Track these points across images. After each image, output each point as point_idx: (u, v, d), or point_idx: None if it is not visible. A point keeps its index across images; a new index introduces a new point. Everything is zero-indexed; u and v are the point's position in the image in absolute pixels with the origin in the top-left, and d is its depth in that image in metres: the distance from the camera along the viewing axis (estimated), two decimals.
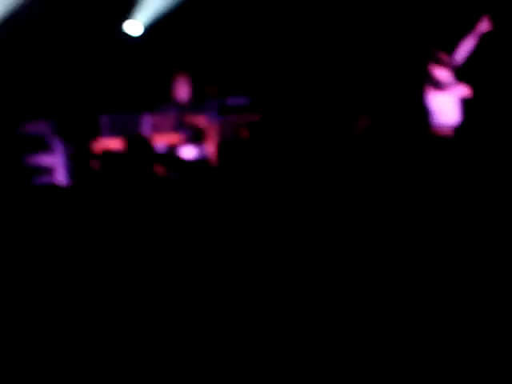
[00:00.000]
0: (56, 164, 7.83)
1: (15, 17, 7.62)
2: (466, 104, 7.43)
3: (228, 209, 6.14)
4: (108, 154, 7.74)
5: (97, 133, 7.68)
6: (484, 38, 7.34)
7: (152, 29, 8.01)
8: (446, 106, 7.38)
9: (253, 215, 5.89)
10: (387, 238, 4.86)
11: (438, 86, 7.29)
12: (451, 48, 7.38)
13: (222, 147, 8.00)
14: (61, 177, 7.85)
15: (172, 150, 7.91)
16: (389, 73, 8.36)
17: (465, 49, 7.31)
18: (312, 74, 8.41)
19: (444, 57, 7.31)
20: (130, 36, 7.83)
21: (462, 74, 7.39)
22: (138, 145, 7.67)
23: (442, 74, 7.28)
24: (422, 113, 7.50)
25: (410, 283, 4.01)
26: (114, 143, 7.67)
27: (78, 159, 7.84)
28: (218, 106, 8.00)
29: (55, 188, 7.68)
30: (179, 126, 7.81)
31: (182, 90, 7.84)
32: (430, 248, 4.57)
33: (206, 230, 5.49)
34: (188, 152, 7.89)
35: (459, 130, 7.38)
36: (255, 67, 8.32)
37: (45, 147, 7.78)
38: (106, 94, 8.13)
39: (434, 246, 4.60)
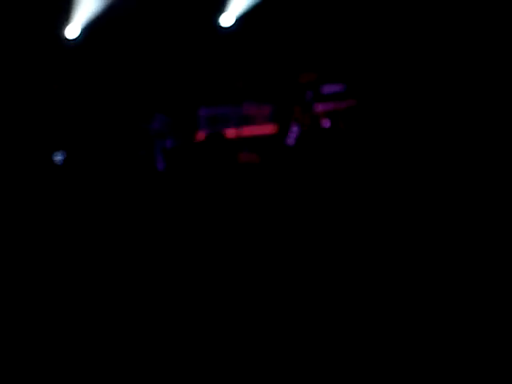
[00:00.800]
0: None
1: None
2: None
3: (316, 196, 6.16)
4: (208, 145, 7.87)
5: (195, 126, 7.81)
6: None
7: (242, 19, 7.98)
8: None
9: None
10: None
11: None
12: None
13: (315, 136, 7.91)
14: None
15: (267, 139, 7.91)
16: None
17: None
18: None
19: None
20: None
21: None
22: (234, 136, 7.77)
23: None
24: None
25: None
26: (212, 135, 7.78)
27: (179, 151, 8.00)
28: (314, 94, 7.87)
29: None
30: (274, 117, 7.78)
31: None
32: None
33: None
34: (284, 140, 7.86)
35: None
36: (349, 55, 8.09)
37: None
38: (199, 88, 8.23)
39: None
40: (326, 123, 7.88)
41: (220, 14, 8.10)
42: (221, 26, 8.14)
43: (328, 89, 7.87)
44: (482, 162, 6.78)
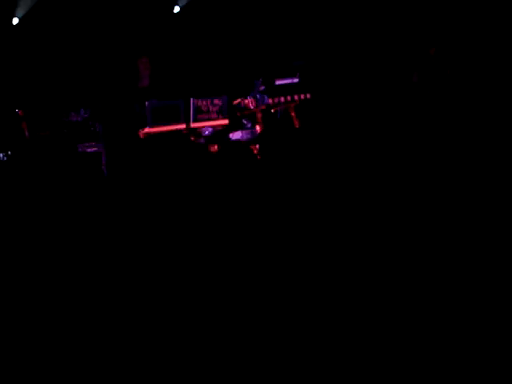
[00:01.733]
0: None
1: None
2: None
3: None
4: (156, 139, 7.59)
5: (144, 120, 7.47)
6: None
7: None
8: None
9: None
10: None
11: None
12: None
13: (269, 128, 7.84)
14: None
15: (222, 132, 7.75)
16: None
17: None
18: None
19: None
20: None
21: None
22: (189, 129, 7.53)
23: None
24: None
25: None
26: (161, 129, 7.50)
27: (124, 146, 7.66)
28: (267, 86, 7.73)
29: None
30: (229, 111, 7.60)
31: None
32: None
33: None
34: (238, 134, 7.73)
35: None
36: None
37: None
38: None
39: None
40: (278, 115, 7.81)
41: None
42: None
43: (281, 81, 7.76)
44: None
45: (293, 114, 7.71)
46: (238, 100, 7.72)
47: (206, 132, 7.70)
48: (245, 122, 7.63)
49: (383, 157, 7.28)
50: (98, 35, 7.89)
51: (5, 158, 6.92)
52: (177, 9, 8.13)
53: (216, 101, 7.60)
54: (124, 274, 4.55)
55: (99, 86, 7.95)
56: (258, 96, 7.66)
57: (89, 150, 7.59)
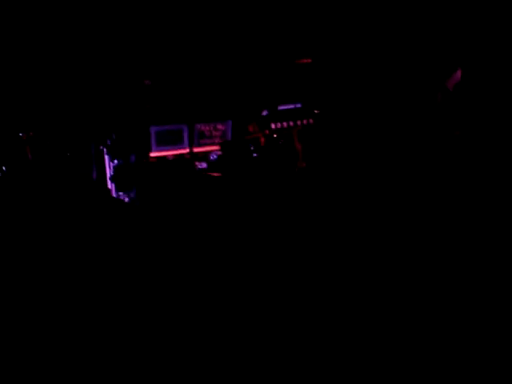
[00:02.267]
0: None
1: None
2: None
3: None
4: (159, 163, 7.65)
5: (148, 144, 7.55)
6: None
7: None
8: None
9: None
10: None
11: None
12: None
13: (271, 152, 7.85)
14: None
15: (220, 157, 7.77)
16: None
17: None
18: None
19: None
20: None
21: None
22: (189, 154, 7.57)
23: None
24: None
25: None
26: (164, 153, 7.56)
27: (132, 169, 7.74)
28: (270, 111, 7.78)
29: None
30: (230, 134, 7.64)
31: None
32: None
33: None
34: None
35: None
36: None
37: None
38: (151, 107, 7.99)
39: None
40: (281, 140, 7.82)
41: None
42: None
43: (284, 106, 7.80)
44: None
45: (295, 138, 7.71)
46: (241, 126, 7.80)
47: (212, 157, 7.75)
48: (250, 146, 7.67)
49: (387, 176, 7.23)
50: (101, 59, 8.07)
51: None
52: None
53: (219, 126, 7.67)
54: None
55: (107, 112, 8.11)
56: (261, 121, 7.71)
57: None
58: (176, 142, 7.60)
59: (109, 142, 7.58)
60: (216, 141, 7.64)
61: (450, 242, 4.84)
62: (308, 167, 7.63)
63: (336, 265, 4.60)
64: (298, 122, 7.73)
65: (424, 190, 6.37)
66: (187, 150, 7.62)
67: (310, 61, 7.65)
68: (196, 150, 7.63)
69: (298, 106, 7.81)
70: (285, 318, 3.66)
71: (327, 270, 4.52)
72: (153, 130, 7.54)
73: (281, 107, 7.78)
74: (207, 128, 7.61)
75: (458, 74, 7.50)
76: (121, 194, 7.60)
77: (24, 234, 6.33)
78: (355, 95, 7.65)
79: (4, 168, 6.98)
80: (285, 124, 7.73)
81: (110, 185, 7.68)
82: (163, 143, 7.56)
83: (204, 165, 7.66)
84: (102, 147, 7.56)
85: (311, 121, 7.73)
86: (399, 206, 6.23)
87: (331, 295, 3.96)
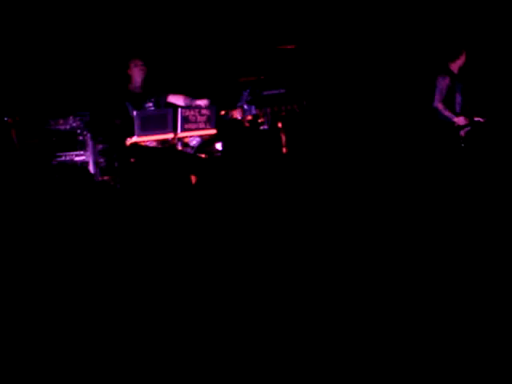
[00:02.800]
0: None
1: None
2: None
3: None
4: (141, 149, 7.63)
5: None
6: None
7: None
8: None
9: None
10: None
11: None
12: None
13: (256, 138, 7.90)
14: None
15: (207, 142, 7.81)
16: None
17: None
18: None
19: None
20: None
21: None
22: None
23: None
24: None
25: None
26: (149, 138, 7.55)
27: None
28: (253, 96, 7.82)
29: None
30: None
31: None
32: None
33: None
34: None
35: None
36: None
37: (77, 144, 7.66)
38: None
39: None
40: (264, 125, 7.88)
41: None
42: None
43: (268, 92, 7.85)
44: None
45: (280, 124, 7.78)
46: (224, 111, 7.82)
47: (194, 142, 7.77)
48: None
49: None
50: (88, 39, 8.00)
51: None
52: None
53: (204, 111, 7.67)
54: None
55: (90, 92, 8.05)
56: (245, 106, 7.75)
57: (76, 158, 7.65)
58: (160, 127, 7.59)
59: (93, 126, 7.54)
60: (201, 126, 7.65)
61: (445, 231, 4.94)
62: (292, 153, 7.72)
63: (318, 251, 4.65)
64: (283, 108, 7.79)
65: (411, 176, 6.51)
66: (171, 135, 7.62)
67: (293, 47, 7.71)
68: (181, 134, 7.63)
69: (282, 91, 7.87)
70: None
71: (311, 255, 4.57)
72: (136, 114, 7.51)
73: (264, 93, 7.83)
74: (192, 113, 7.61)
75: (463, 56, 7.63)
76: (105, 178, 7.59)
77: (10, 222, 6.29)
78: (341, 82, 7.73)
79: None
80: (268, 110, 7.79)
81: (93, 169, 7.65)
82: (147, 128, 7.54)
83: (189, 150, 7.68)
84: (85, 132, 7.51)
85: (295, 107, 7.80)
86: (384, 194, 6.33)
87: (318, 280, 3.98)
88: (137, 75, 7.88)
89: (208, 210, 6.50)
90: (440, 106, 8.07)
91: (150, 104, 8.05)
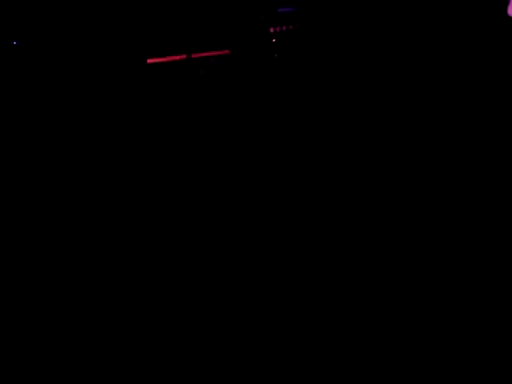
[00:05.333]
0: None
1: None
2: None
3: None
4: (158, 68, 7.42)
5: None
6: None
7: None
8: None
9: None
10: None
11: None
12: None
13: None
14: None
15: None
16: None
17: None
18: None
19: None
20: None
21: None
22: None
23: None
24: None
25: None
26: (162, 59, 7.32)
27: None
28: (267, 16, 7.54)
29: None
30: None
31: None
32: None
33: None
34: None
35: None
36: None
37: None
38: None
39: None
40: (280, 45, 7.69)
41: None
42: None
43: (284, 9, 7.54)
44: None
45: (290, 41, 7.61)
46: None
47: (212, 61, 7.58)
48: None
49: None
50: None
51: None
52: None
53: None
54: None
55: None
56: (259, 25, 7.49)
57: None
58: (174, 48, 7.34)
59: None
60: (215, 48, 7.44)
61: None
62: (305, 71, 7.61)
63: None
64: (298, 26, 7.56)
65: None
66: (185, 56, 7.40)
67: None
68: (194, 55, 7.42)
69: (297, 9, 7.58)
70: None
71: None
72: None
73: (280, 10, 7.53)
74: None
75: None
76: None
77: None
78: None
79: None
80: (284, 28, 7.55)
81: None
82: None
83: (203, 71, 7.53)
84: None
85: (304, 25, 7.58)
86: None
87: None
88: None
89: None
90: None
91: None
